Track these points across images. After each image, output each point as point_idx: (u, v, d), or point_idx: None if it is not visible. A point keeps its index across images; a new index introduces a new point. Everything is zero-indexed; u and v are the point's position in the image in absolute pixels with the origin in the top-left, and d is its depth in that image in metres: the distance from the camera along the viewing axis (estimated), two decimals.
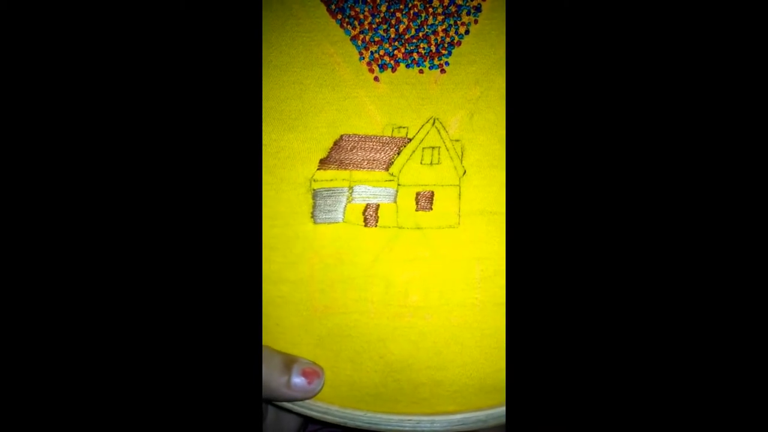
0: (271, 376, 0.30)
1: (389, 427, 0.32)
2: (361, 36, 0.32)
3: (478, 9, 0.32)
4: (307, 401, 0.32)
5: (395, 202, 0.32)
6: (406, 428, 0.31)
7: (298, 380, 0.31)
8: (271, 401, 0.32)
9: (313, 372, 0.31)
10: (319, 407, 0.32)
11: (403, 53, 0.32)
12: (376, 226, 0.32)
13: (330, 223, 0.32)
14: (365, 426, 0.32)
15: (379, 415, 0.32)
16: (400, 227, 0.32)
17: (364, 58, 0.32)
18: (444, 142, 0.32)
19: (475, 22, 0.32)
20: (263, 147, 0.32)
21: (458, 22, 0.32)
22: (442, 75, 0.32)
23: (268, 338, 0.32)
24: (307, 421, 0.36)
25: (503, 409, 0.31)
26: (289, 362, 0.31)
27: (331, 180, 0.32)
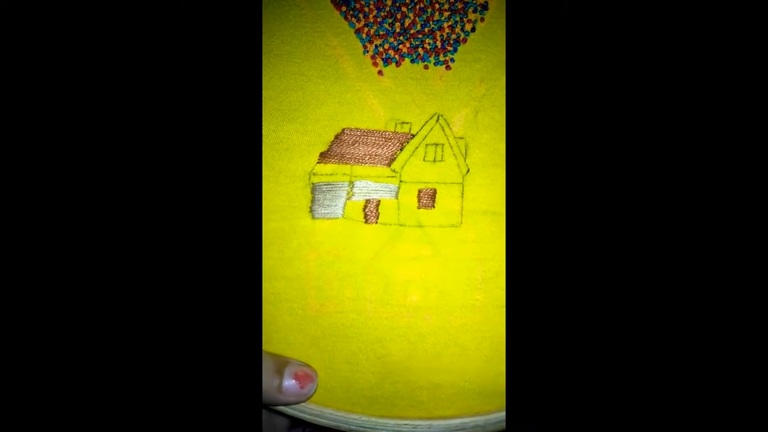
0: (262, 380, 0.29)
1: (385, 431, 0.30)
2: (366, 29, 0.32)
3: (485, 7, 0.32)
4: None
5: (397, 198, 0.31)
6: None
7: (290, 384, 0.29)
8: (262, 405, 0.30)
9: (306, 375, 0.30)
10: (313, 410, 0.31)
11: (408, 48, 0.32)
12: (376, 222, 0.31)
13: (329, 218, 0.31)
14: (360, 430, 0.30)
15: (374, 419, 0.31)
16: (401, 225, 0.31)
17: (368, 51, 0.32)
18: (448, 140, 0.31)
19: (482, 20, 0.32)
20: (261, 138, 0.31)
21: (464, 19, 0.32)
22: (448, 71, 0.32)
23: None
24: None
25: (503, 414, 0.30)
26: (281, 365, 0.30)
27: (331, 174, 0.31)
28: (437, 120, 0.31)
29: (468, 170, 0.31)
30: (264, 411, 0.33)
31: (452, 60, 0.32)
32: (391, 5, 0.32)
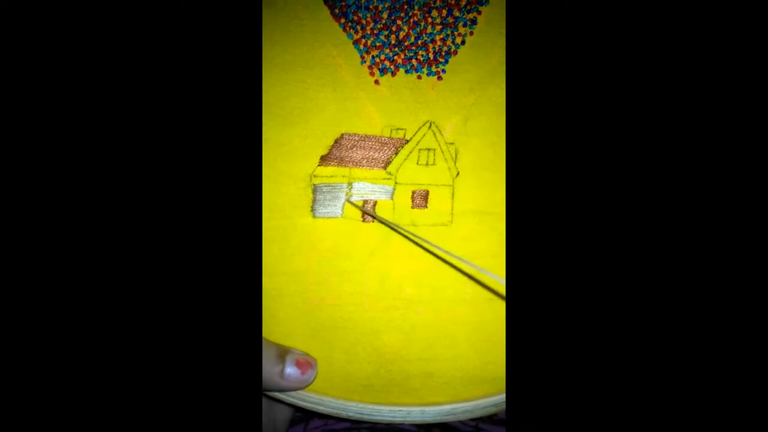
0: (265, 366, 0.31)
1: (381, 417, 0.32)
2: (363, 40, 0.34)
3: (474, 21, 0.34)
4: (300, 392, 0.32)
5: (392, 199, 0.33)
6: (397, 418, 0.32)
7: (291, 370, 0.31)
8: (264, 391, 0.32)
9: (306, 363, 0.32)
10: (312, 398, 0.32)
11: (402, 59, 0.34)
12: (373, 221, 0.33)
13: (329, 217, 0.33)
14: (357, 416, 0.32)
15: (371, 406, 0.33)
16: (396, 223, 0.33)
17: (365, 61, 0.34)
18: (439, 145, 0.33)
19: (471, 33, 0.34)
20: (264, 141, 0.33)
21: (455, 32, 0.34)
22: (439, 81, 0.34)
23: (263, 329, 0.33)
24: (298, 411, 0.36)
25: (490, 399, 0.33)
26: (282, 353, 0.32)
27: (332, 176, 0.33)
28: (429, 126, 0.33)
29: (458, 173, 0.33)
30: (266, 402, 0.35)
31: (444, 71, 0.34)
32: (387, 18, 0.34)
